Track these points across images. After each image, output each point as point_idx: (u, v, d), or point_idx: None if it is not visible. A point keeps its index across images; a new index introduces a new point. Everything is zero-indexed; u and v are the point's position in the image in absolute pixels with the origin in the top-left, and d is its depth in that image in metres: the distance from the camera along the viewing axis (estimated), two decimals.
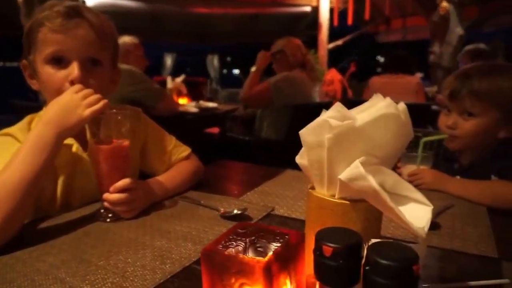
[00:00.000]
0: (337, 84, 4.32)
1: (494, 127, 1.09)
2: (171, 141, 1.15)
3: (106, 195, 0.87)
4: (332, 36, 6.10)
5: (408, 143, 1.31)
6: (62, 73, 0.90)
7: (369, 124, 0.47)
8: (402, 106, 0.49)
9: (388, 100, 0.49)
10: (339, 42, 6.60)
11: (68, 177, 0.97)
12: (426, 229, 0.45)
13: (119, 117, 0.90)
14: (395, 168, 1.22)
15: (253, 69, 2.83)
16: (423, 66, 4.99)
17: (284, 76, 2.65)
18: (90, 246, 0.75)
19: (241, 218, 0.88)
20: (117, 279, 0.64)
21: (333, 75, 4.49)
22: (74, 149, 0.97)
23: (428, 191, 1.09)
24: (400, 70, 3.38)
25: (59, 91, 0.87)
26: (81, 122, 0.83)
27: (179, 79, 3.61)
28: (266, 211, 0.94)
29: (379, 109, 0.47)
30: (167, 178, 1.03)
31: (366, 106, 0.50)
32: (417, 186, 1.11)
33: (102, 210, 0.89)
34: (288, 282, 0.50)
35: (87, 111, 0.82)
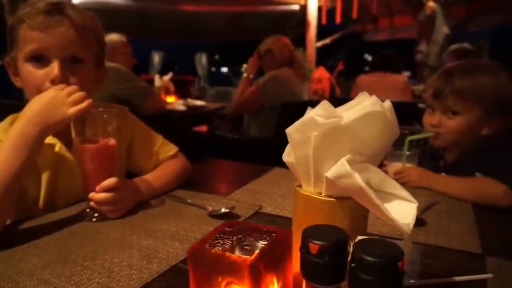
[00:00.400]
0: (325, 82, 4.34)
1: (477, 125, 1.11)
2: (158, 140, 1.14)
3: (92, 195, 0.86)
4: (320, 35, 6.13)
5: (394, 141, 1.33)
6: (42, 72, 0.89)
7: (355, 122, 0.47)
8: (387, 104, 0.50)
9: (374, 98, 0.49)
10: (327, 41, 6.64)
11: (51, 177, 0.95)
12: (411, 225, 0.45)
13: (105, 116, 0.88)
14: (381, 166, 1.24)
15: (245, 75, 2.82)
16: (410, 65, 5.04)
17: (272, 75, 2.65)
18: (75, 246, 0.74)
19: (229, 216, 0.88)
20: (103, 279, 0.63)
21: (321, 73, 4.51)
22: (57, 148, 0.95)
23: (414, 188, 1.11)
24: (387, 69, 3.41)
25: (39, 90, 0.86)
26: (65, 120, 0.82)
27: (167, 77, 3.59)
28: (254, 209, 0.94)
29: (365, 107, 0.48)
30: (154, 177, 1.03)
31: (352, 104, 0.50)
32: (403, 184, 1.13)
33: (88, 210, 0.88)
34: (275, 280, 0.50)
35: (72, 110, 0.81)
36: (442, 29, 4.30)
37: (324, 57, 6.43)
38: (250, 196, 1.04)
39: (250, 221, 0.88)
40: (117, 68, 2.42)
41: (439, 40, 4.38)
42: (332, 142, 0.48)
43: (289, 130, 0.52)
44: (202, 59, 8.18)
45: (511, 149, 1.09)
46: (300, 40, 5.18)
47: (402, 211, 0.46)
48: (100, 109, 0.89)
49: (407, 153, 1.18)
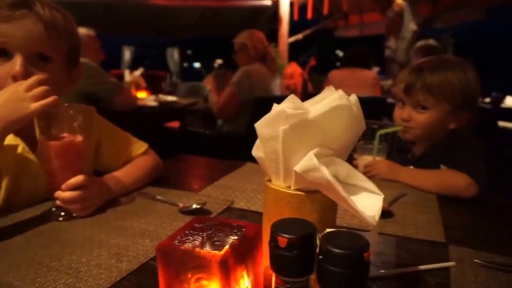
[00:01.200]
0: (298, 77, 4.38)
1: (445, 120, 1.15)
2: (127, 139, 1.11)
3: (59, 193, 0.83)
4: (292, 30, 6.16)
5: (364, 135, 1.36)
6: (5, 67, 0.84)
7: (322, 115, 0.47)
8: (353, 98, 0.51)
9: (340, 92, 0.50)
10: (299, 36, 6.69)
11: (13, 179, 0.91)
12: (376, 217, 0.46)
13: (71, 111, 0.86)
14: (352, 160, 1.26)
15: (208, 88, 2.83)
16: (379, 61, 5.15)
17: (244, 71, 2.64)
18: (41, 247, 0.72)
19: (200, 212, 0.88)
20: (70, 280, 0.61)
21: (293, 68, 4.54)
22: (20, 149, 0.91)
23: (383, 181, 1.14)
24: (358, 65, 3.47)
25: (1, 86, 0.82)
26: (26, 116, 0.77)
27: (138, 73, 3.52)
28: (225, 205, 0.94)
29: (332, 101, 0.48)
30: (123, 174, 1.00)
31: (319, 98, 0.51)
32: (372, 177, 1.16)
33: (54, 209, 0.85)
34: (245, 274, 0.50)
35: (34, 105, 0.77)
36: (410, 26, 4.42)
37: (296, 52, 6.47)
38: (222, 191, 1.04)
39: (221, 216, 0.88)
40: (85, 63, 2.34)
41: (407, 36, 4.51)
42: (300, 136, 0.48)
43: (257, 125, 0.53)
44: (174, 54, 8.07)
45: (474, 143, 1.13)
46: (272, 36, 5.19)
47: (368, 203, 0.47)
48: (66, 104, 0.86)
49: (377, 146, 1.21)
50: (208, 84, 2.89)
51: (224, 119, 2.78)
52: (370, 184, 0.50)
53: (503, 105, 4.23)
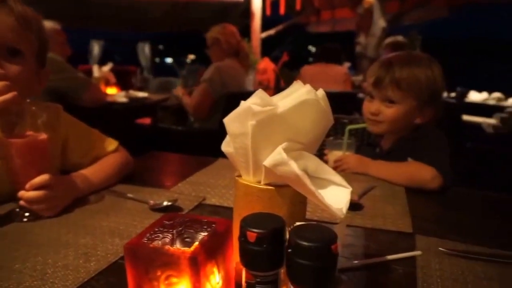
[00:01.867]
0: (270, 73, 4.39)
1: (411, 114, 1.18)
2: (95, 136, 1.08)
3: (22, 193, 0.80)
4: (265, 26, 6.17)
5: (335, 130, 1.37)
6: None
7: (290, 110, 0.48)
8: (321, 92, 0.51)
9: (307, 87, 0.50)
10: (272, 32, 6.70)
11: None
12: (344, 210, 0.47)
13: (34, 108, 0.82)
14: (322, 155, 1.28)
15: (180, 95, 2.80)
16: (350, 56, 5.24)
17: (215, 67, 2.62)
18: (3, 249, 0.69)
19: (172, 209, 0.86)
20: (35, 282, 0.59)
21: (266, 64, 4.55)
22: None
23: (353, 174, 1.16)
24: (329, 60, 3.52)
25: None
26: None
27: (107, 68, 3.43)
28: (197, 201, 0.93)
29: (300, 95, 0.48)
30: (92, 172, 0.98)
31: (287, 93, 0.51)
32: (343, 171, 1.18)
33: (17, 210, 0.82)
34: (215, 270, 0.50)
35: None
36: (379, 22, 4.52)
37: (269, 48, 6.49)
38: (194, 188, 1.03)
39: (193, 213, 0.87)
40: (51, 58, 2.25)
41: (376, 33, 4.61)
42: (268, 130, 0.48)
43: (226, 120, 0.52)
44: (145, 49, 7.91)
45: (438, 137, 1.17)
46: (244, 31, 5.18)
47: (336, 196, 0.48)
48: (28, 100, 0.82)
49: (347, 141, 1.24)
50: (178, 92, 2.86)
51: (200, 118, 2.74)
52: (338, 178, 0.51)
53: (467, 100, 4.40)
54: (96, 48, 7.08)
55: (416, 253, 0.70)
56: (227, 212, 0.88)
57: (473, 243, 0.75)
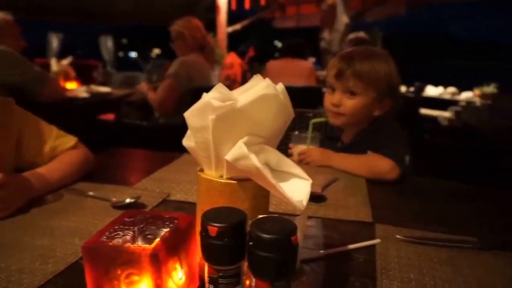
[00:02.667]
0: (237, 67, 4.38)
1: (371, 106, 1.22)
2: (52, 132, 1.04)
3: None
4: (231, 20, 6.13)
5: (300, 124, 1.39)
6: None
7: (250, 104, 0.48)
8: (280, 86, 0.51)
9: (267, 81, 0.50)
10: (238, 26, 6.68)
11: None
12: (304, 201, 0.48)
13: None
14: (287, 149, 1.30)
15: (144, 90, 2.73)
16: (315, 52, 5.31)
17: (180, 62, 2.57)
18: None
19: (134, 206, 0.85)
20: None
21: (232, 59, 4.53)
22: None
23: (317, 168, 1.18)
24: (295, 55, 3.55)
25: None
26: None
27: (66, 62, 3.29)
28: (161, 198, 0.92)
29: (259, 90, 0.49)
30: (48, 170, 0.94)
31: (246, 87, 0.51)
32: (307, 164, 1.20)
33: None
34: (178, 266, 0.50)
35: None
36: (342, 19, 4.60)
37: (235, 42, 6.46)
38: (158, 184, 1.01)
39: (157, 209, 0.86)
40: (4, 52, 2.14)
41: (340, 29, 4.69)
42: (229, 125, 0.48)
43: (187, 115, 0.52)
44: (107, 43, 7.65)
45: (395, 129, 1.22)
46: (209, 25, 5.13)
47: (297, 188, 0.49)
48: None
49: (311, 135, 1.26)
50: (142, 88, 2.79)
51: (166, 113, 2.69)
52: (299, 170, 0.52)
53: (424, 94, 4.60)
54: (54, 41, 6.77)
55: (376, 241, 0.73)
56: (192, 207, 0.87)
57: (428, 230, 0.79)
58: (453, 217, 0.90)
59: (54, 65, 3.23)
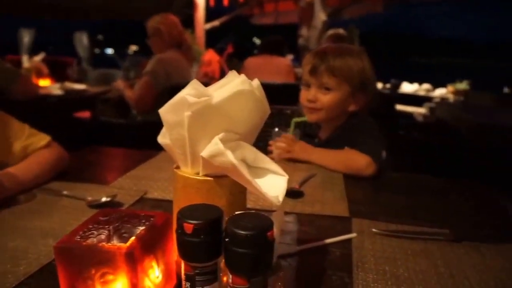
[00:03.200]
0: (215, 64, 4.35)
1: (346, 101, 1.24)
2: (24, 131, 1.01)
3: None
4: (209, 17, 6.09)
5: (279, 122, 1.39)
6: None
7: (225, 100, 0.48)
8: (256, 82, 0.51)
9: (242, 77, 0.50)
10: (216, 23, 6.63)
11: None
12: (280, 197, 0.48)
13: None
14: (266, 146, 1.30)
15: (120, 88, 2.66)
16: (293, 49, 5.33)
17: (157, 59, 2.54)
18: None
19: (111, 205, 0.84)
20: None
21: (211, 55, 4.50)
22: None
23: (295, 164, 1.19)
24: (273, 52, 3.55)
25: None
26: None
27: (38, 58, 3.19)
28: (138, 196, 0.91)
29: (235, 86, 0.49)
30: (20, 169, 0.91)
31: (222, 83, 0.51)
32: (287, 155, 1.21)
33: None
34: (154, 264, 0.49)
35: None
36: (320, 16, 4.64)
37: (213, 39, 6.42)
38: (135, 182, 1.00)
39: (134, 208, 0.85)
40: None
41: (318, 26, 4.73)
42: (205, 121, 0.48)
43: (162, 111, 0.51)
44: (82, 39, 7.46)
45: (370, 124, 1.25)
46: (187, 22, 5.08)
47: (273, 184, 0.49)
48: None
49: (293, 133, 1.27)
50: (119, 85, 2.73)
51: (144, 111, 2.65)
52: (275, 166, 0.52)
53: (400, 91, 4.70)
54: (26, 37, 6.55)
55: (352, 235, 0.74)
56: (169, 205, 0.85)
57: (402, 223, 0.81)
58: (426, 210, 0.92)
59: (25, 61, 3.13)
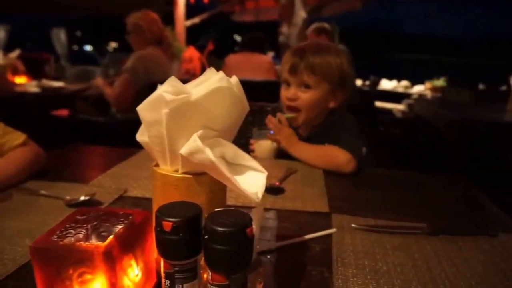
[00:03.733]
0: (196, 61, 4.32)
1: (325, 98, 1.26)
2: None
3: None
4: (189, 14, 6.04)
5: (259, 118, 1.39)
6: None
7: (203, 97, 0.48)
8: (234, 79, 0.52)
9: (220, 74, 0.50)
10: (196, 20, 6.58)
11: None
12: (259, 194, 0.48)
13: None
14: (248, 145, 1.30)
15: (100, 84, 2.60)
16: (274, 46, 5.34)
17: (138, 56, 2.51)
18: None
19: (90, 204, 0.82)
20: None
21: (192, 52, 4.46)
22: None
23: (276, 160, 1.20)
24: (254, 49, 3.55)
25: None
26: None
27: (13, 55, 3.11)
28: (118, 194, 0.90)
29: (213, 83, 0.49)
30: None
31: (200, 80, 0.51)
32: (275, 141, 1.21)
33: None
34: (134, 263, 0.49)
35: None
36: (300, 13, 4.66)
37: (194, 36, 6.37)
38: (115, 180, 0.99)
39: (114, 206, 0.84)
40: None
41: (298, 23, 4.75)
42: (183, 118, 0.48)
43: (140, 109, 0.51)
44: (60, 36, 7.28)
45: (351, 122, 1.26)
46: (167, 19, 5.02)
47: (252, 181, 0.49)
48: None
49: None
50: (98, 83, 2.68)
51: (124, 109, 2.60)
52: (255, 163, 0.52)
53: (379, 87, 4.77)
54: (1, 33, 6.36)
55: (332, 231, 0.75)
56: (149, 203, 0.85)
57: (381, 218, 0.82)
58: (404, 205, 0.94)
59: (0, 58, 3.04)
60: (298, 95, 1.23)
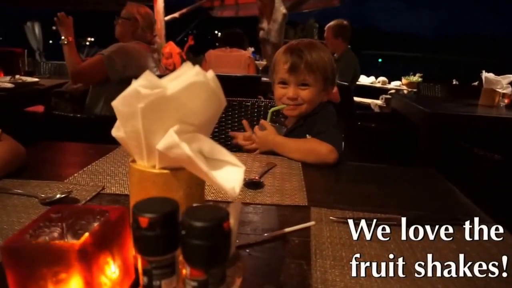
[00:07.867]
0: (176, 57, 4.27)
1: (321, 93, 1.30)
2: None
3: None
4: (168, 9, 5.96)
5: (239, 112, 1.39)
6: None
7: (179, 92, 0.47)
8: (210, 74, 0.51)
9: (197, 68, 0.50)
10: (176, 15, 6.50)
11: None
12: (236, 189, 0.48)
13: None
14: (227, 139, 1.31)
15: (65, 42, 2.46)
16: (254, 41, 5.33)
17: (119, 47, 2.45)
18: None
19: (66, 202, 0.81)
20: None
21: (171, 48, 4.41)
22: None
23: (255, 156, 1.21)
24: (233, 45, 3.55)
25: None
26: None
27: None
28: (95, 191, 0.88)
29: (189, 77, 0.48)
30: None
31: (176, 74, 0.50)
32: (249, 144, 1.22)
33: None
34: (110, 260, 0.48)
35: None
36: (280, 9, 4.67)
37: (173, 32, 6.30)
38: (92, 177, 0.97)
39: (91, 203, 0.83)
40: None
41: (278, 19, 4.76)
42: (159, 113, 0.48)
43: (115, 104, 0.50)
44: (34, 29, 7.06)
45: (332, 114, 1.29)
46: None
47: (230, 175, 0.49)
48: None
49: (274, 125, 1.29)
50: (64, 34, 2.53)
51: (75, 85, 2.54)
52: (232, 158, 0.52)
53: (358, 83, 4.85)
54: None
55: (310, 223, 0.76)
56: (128, 200, 0.84)
57: (358, 210, 0.84)
58: (381, 197, 0.96)
59: None
60: (298, 93, 1.27)
